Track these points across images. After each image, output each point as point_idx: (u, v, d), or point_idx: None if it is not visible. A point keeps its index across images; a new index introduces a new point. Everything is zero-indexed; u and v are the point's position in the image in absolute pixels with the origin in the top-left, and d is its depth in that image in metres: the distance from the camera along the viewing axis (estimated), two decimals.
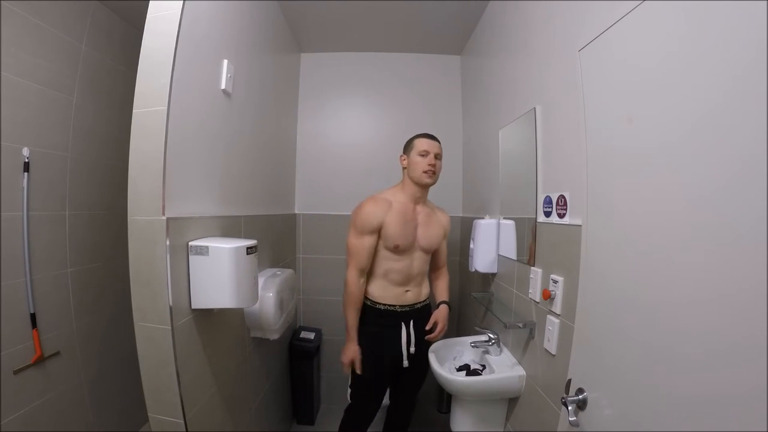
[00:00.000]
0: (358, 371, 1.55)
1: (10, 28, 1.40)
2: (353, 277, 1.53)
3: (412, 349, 1.59)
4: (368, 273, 1.59)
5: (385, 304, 1.58)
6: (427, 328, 1.59)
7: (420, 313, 1.64)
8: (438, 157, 1.55)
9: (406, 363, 1.58)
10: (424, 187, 1.58)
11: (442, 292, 1.75)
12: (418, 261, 1.59)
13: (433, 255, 1.73)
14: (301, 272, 2.51)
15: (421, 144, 1.54)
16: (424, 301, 1.67)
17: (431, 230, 1.61)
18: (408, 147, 1.60)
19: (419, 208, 1.60)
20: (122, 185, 1.06)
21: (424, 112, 2.55)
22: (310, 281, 2.51)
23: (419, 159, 1.52)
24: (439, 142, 1.59)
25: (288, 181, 2.37)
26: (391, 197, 1.57)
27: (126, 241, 1.01)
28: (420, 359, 1.61)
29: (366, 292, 1.60)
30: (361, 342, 1.58)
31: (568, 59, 1.09)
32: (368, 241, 1.52)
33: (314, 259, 2.51)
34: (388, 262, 1.56)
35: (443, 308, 1.65)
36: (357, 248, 1.52)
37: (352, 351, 1.55)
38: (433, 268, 1.79)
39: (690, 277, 0.65)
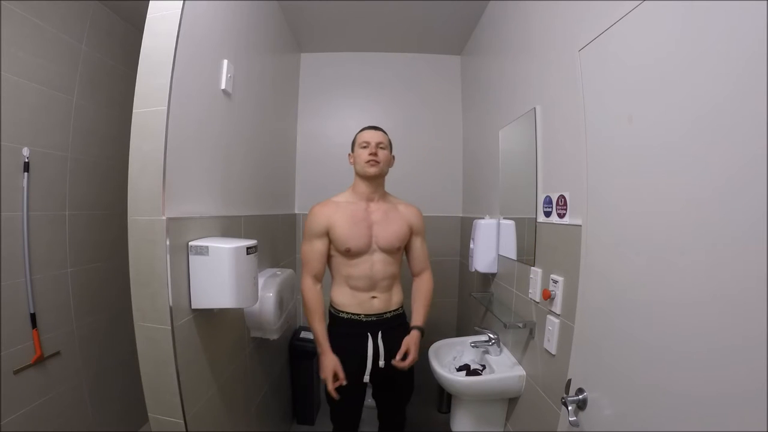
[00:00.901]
0: (344, 382, 1.37)
1: (10, 28, 1.39)
2: (307, 284, 1.44)
3: (382, 363, 1.41)
4: (331, 280, 1.49)
5: (348, 313, 1.44)
6: (398, 357, 1.40)
7: (391, 323, 1.47)
8: (381, 146, 1.44)
9: (366, 378, 1.40)
10: (372, 180, 1.45)
11: (417, 312, 1.51)
12: (380, 264, 1.44)
13: (409, 259, 1.57)
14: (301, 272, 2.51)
15: (361, 136, 1.46)
16: (396, 310, 1.50)
17: (391, 227, 1.45)
18: (352, 144, 1.51)
19: (374, 205, 1.47)
20: (122, 185, 1.06)
21: (424, 112, 2.55)
22: None
23: (361, 151, 1.43)
24: (383, 132, 1.48)
25: (288, 181, 2.37)
26: (341, 199, 1.48)
27: (126, 241, 1.01)
28: (397, 374, 1.44)
29: (330, 299, 1.49)
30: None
31: (568, 59, 1.09)
32: (318, 245, 1.43)
33: None
34: (346, 268, 1.44)
35: (415, 335, 1.44)
36: (307, 254, 1.45)
37: (329, 362, 1.38)
38: (412, 275, 1.59)
39: (690, 277, 0.65)
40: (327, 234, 1.42)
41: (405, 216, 1.51)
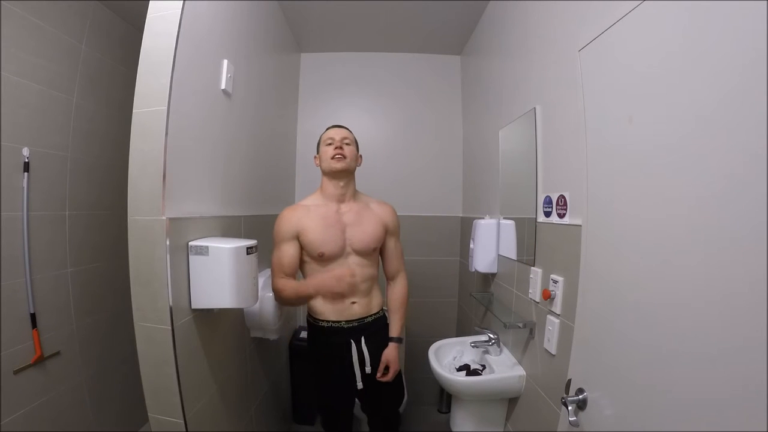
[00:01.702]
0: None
1: (10, 28, 1.39)
2: (280, 283, 1.35)
3: (368, 369, 1.37)
4: None
5: (328, 321, 1.37)
6: (380, 373, 1.38)
7: (372, 327, 1.41)
8: (347, 142, 1.39)
9: (360, 385, 1.37)
10: (340, 177, 1.38)
11: (394, 322, 1.46)
12: (356, 267, 1.37)
13: (383, 260, 1.50)
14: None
15: (326, 135, 1.42)
16: (377, 313, 1.44)
17: (365, 228, 1.39)
18: (317, 146, 1.46)
19: (345, 206, 1.41)
20: (122, 185, 1.06)
21: (424, 112, 2.55)
22: None
23: (326, 149, 1.38)
24: (347, 130, 1.44)
25: (288, 181, 2.37)
26: (310, 202, 1.41)
27: (126, 241, 1.01)
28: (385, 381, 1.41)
29: (308, 308, 1.43)
30: (309, 365, 1.43)
31: (568, 59, 1.09)
32: (288, 249, 1.35)
33: None
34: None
35: (392, 347, 1.41)
36: (278, 257, 1.36)
37: (322, 279, 1.31)
38: (387, 278, 1.53)
39: (689, 277, 0.65)
40: (297, 238, 1.35)
41: (379, 215, 1.45)
